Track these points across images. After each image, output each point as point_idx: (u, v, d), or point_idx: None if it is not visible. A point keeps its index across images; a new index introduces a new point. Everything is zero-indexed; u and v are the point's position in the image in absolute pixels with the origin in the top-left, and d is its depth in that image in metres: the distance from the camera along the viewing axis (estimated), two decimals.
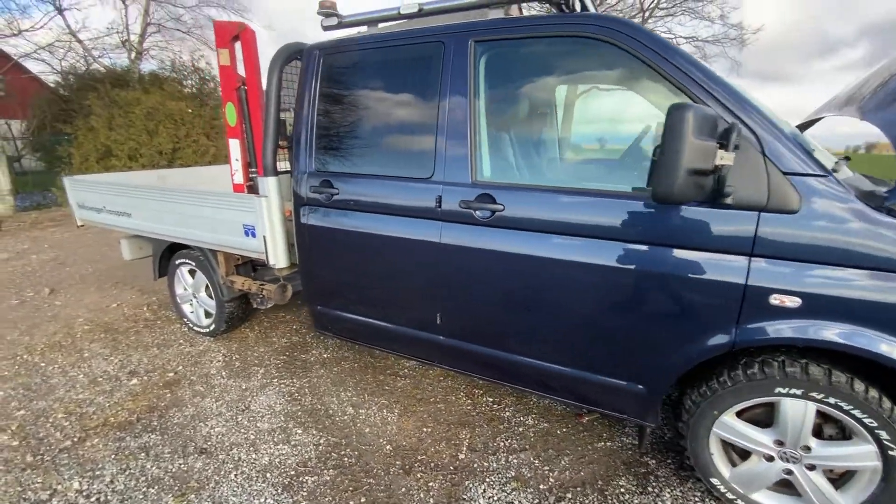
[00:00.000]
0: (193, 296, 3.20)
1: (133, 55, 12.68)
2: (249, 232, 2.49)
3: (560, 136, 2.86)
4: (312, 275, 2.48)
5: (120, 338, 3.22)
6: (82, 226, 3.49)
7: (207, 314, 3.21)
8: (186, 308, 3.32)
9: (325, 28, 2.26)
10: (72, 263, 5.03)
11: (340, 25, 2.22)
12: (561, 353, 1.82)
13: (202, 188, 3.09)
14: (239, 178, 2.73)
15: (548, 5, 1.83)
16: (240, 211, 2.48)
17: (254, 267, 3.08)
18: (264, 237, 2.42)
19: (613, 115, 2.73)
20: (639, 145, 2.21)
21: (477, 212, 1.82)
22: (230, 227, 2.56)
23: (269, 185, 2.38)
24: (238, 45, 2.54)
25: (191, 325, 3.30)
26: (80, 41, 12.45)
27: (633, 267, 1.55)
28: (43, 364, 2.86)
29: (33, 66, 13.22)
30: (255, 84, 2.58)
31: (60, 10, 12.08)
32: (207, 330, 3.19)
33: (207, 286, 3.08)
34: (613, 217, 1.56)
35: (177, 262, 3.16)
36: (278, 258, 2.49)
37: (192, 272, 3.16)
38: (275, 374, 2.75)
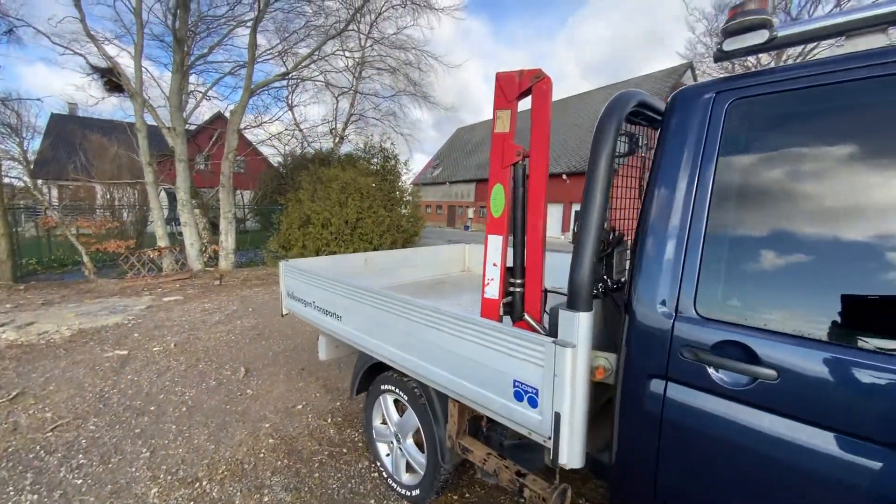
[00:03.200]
0: (396, 438, 2.31)
1: (336, 140, 14.88)
2: (524, 395, 1.46)
3: None
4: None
5: (303, 471, 2.49)
6: (287, 314, 3.08)
7: (410, 468, 2.27)
8: (382, 448, 2.45)
9: (720, 57, 1.24)
10: (268, 336, 4.97)
11: (770, 47, 1.16)
12: None
13: (418, 297, 2.27)
14: (493, 290, 1.80)
15: None
16: (512, 356, 1.49)
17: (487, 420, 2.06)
18: (557, 414, 1.35)
19: None
20: None
21: None
22: (488, 377, 1.58)
23: (580, 325, 1.34)
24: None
25: (384, 473, 2.40)
26: (301, 130, 15.20)
27: None
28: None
29: (264, 150, 16.73)
30: (544, 155, 1.70)
31: (290, 108, 15.06)
32: (408, 494, 2.22)
33: (419, 431, 2.16)
34: None
35: (382, 388, 2.36)
36: (573, 453, 1.37)
37: (399, 405, 2.31)
38: None
